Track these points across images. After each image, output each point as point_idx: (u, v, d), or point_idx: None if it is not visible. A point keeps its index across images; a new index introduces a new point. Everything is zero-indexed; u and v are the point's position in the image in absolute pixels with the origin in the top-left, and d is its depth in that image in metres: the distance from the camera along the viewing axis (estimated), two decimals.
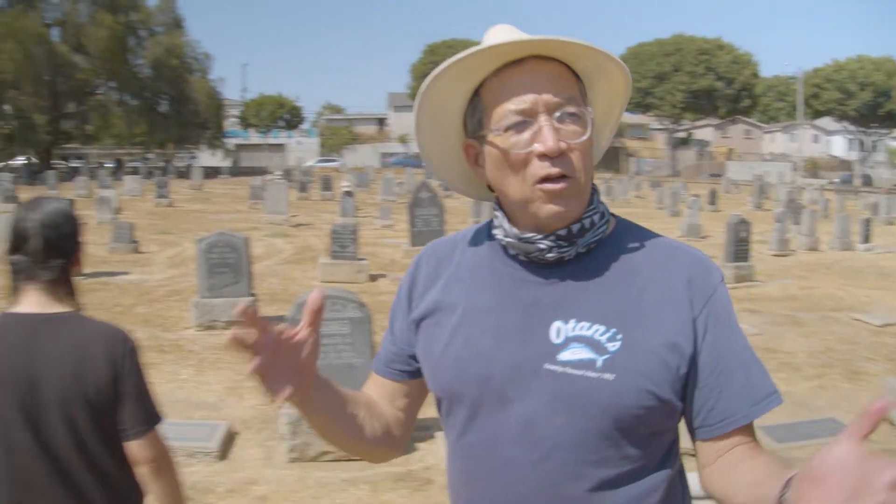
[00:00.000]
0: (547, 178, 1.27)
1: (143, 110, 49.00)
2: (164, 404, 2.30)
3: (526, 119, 1.27)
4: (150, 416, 2.16)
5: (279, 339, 1.23)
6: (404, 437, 1.59)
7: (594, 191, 1.38)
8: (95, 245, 16.92)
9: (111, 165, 49.20)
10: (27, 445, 2.01)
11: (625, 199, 34.15)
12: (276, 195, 22.03)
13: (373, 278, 12.81)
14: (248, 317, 1.19)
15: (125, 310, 10.19)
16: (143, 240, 17.22)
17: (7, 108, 43.33)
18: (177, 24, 51.15)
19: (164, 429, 2.21)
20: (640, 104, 65.78)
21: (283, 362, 1.23)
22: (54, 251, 2.10)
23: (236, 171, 49.96)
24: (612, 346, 1.28)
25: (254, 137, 73.51)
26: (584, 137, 1.29)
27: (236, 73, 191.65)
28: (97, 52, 44.15)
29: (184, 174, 43.13)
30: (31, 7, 43.80)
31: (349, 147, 74.27)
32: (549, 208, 1.29)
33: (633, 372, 1.27)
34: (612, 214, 1.44)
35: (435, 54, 63.38)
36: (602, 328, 1.30)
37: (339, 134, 78.79)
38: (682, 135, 73.42)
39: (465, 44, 61.43)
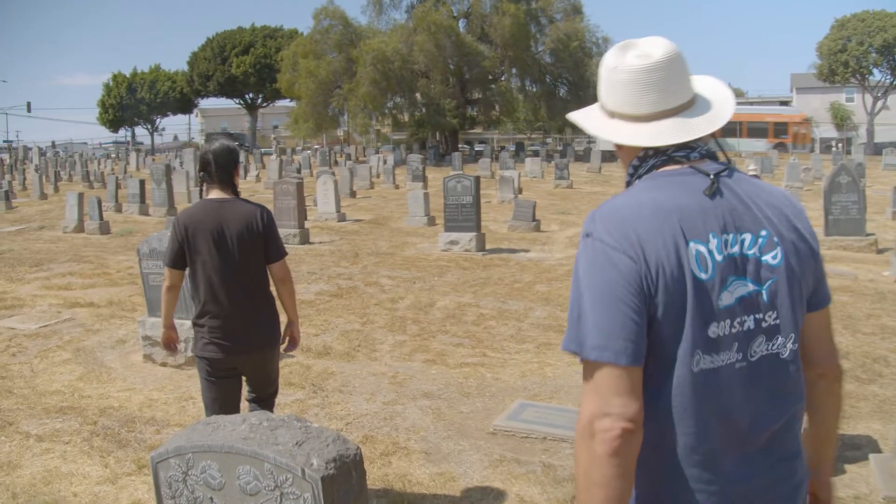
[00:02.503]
0: None
1: (544, 95, 50.26)
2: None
3: None
4: (280, 251, 4.10)
5: None
6: None
7: None
8: (496, 222, 17.51)
9: (512, 149, 51.47)
10: (215, 264, 3.93)
11: None
12: None
13: None
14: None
15: (524, 286, 10.15)
16: (544, 219, 17.43)
17: (418, 95, 47.22)
18: (576, 10, 51.68)
19: None
20: None
21: None
22: (222, 168, 4.03)
23: None
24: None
25: None
26: None
27: None
28: (501, 41, 46.10)
29: (582, 157, 43.76)
30: (441, 1, 47.16)
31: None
32: None
33: None
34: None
35: (845, 29, 56.56)
36: None
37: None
38: None
39: (879, 16, 53.78)
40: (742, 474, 1.57)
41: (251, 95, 70.50)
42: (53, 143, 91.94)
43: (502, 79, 50.77)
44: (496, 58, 47.56)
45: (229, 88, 68.72)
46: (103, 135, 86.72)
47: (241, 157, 4.37)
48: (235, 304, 3.94)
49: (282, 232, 14.60)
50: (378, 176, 32.60)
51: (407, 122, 50.24)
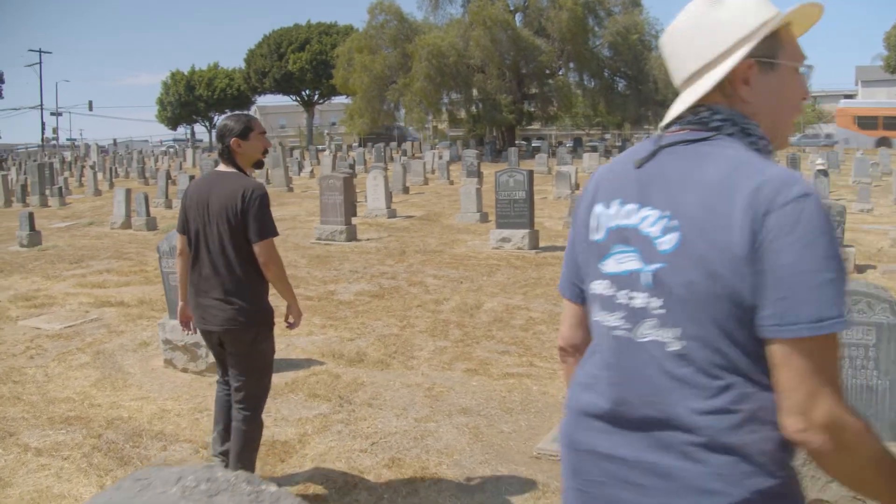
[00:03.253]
0: None
1: (602, 90, 49.17)
2: None
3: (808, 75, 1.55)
4: (261, 233, 3.83)
5: None
6: None
7: None
8: (551, 219, 16.77)
9: (570, 145, 50.47)
10: (199, 235, 3.95)
11: None
12: None
13: (859, 269, 10.54)
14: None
15: None
16: None
17: (474, 91, 46.52)
18: (634, 3, 50.41)
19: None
20: None
21: None
22: (220, 140, 4.01)
23: None
24: None
25: None
26: None
27: None
28: (558, 35, 45.11)
29: None
30: None
31: (812, 126, 67.92)
32: (784, 146, 1.59)
33: None
34: None
35: None
36: None
37: (802, 111, 72.53)
38: None
39: None
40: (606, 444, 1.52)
41: (307, 92, 70.56)
42: (115, 140, 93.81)
43: (560, 73, 49.86)
44: (553, 52, 46.65)
45: (286, 85, 68.85)
46: (164, 133, 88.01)
47: (240, 133, 3.98)
48: (207, 278, 3.92)
49: (327, 229, 14.12)
50: (433, 172, 32.02)
51: (463, 119, 49.68)
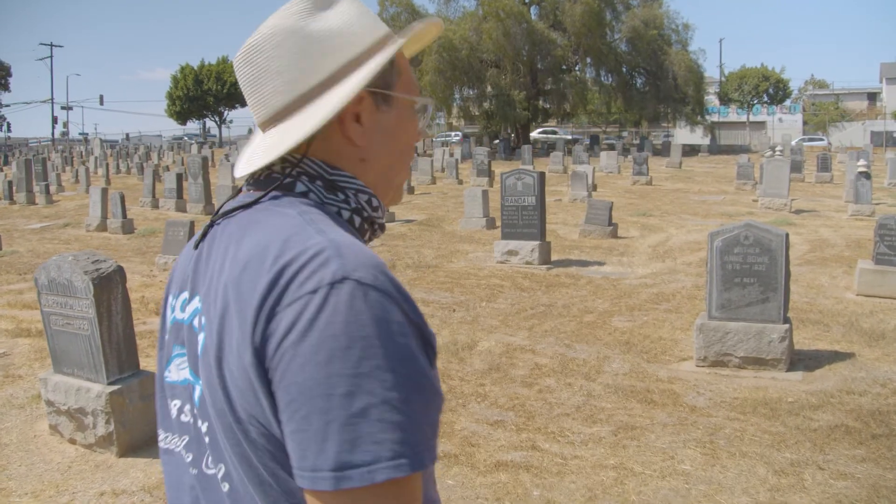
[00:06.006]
0: None
1: (619, 86, 47.61)
2: None
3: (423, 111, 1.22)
4: None
5: None
6: None
7: None
8: (566, 226, 15.07)
9: (586, 143, 48.82)
10: None
11: None
12: (775, 175, 18.26)
13: None
14: None
15: (597, 319, 7.73)
16: (621, 222, 14.89)
17: (488, 86, 44.98)
18: None
19: None
20: None
21: None
22: None
23: (715, 149, 46.36)
24: None
25: (731, 115, 68.75)
26: None
27: (713, 48, 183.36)
28: (574, 28, 43.52)
29: (659, 151, 40.96)
30: None
31: (835, 125, 66.02)
32: (399, 199, 1.25)
33: None
34: None
35: None
36: None
37: (824, 110, 70.64)
38: None
39: None
40: None
41: None
42: (127, 135, 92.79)
43: (576, 69, 48.25)
44: (569, 46, 45.15)
45: None
46: (176, 128, 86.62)
47: None
48: None
49: None
50: (442, 170, 30.34)
51: (477, 115, 48.26)
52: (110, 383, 4.69)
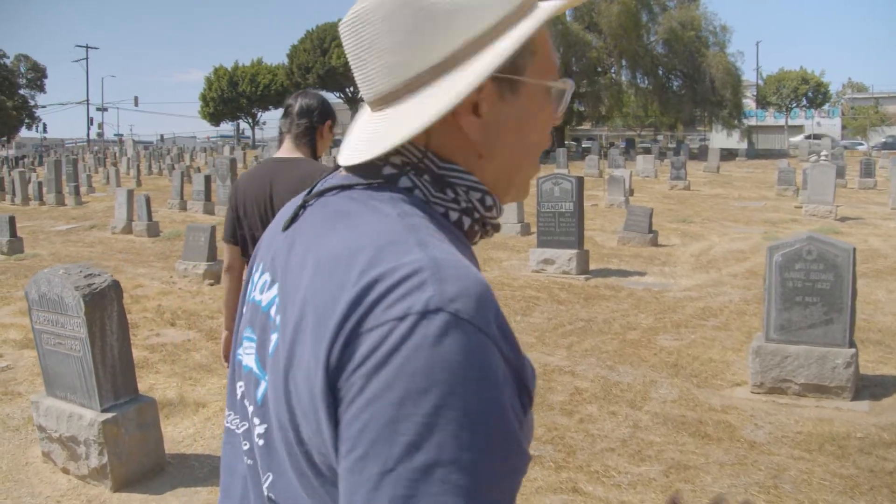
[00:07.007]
0: None
1: (656, 89, 46.88)
2: None
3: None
4: None
5: None
6: None
7: None
8: (603, 233, 14.50)
9: (622, 146, 48.09)
10: (257, 224, 3.12)
11: None
12: (820, 181, 17.53)
13: None
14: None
15: (642, 337, 7.17)
16: (661, 229, 14.26)
17: None
18: None
19: None
20: None
21: None
22: (303, 115, 3.24)
23: (752, 154, 45.40)
24: None
25: (768, 118, 67.54)
26: None
27: (749, 50, 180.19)
28: (609, 30, 42.92)
29: (696, 156, 40.14)
30: None
31: (876, 129, 64.66)
32: (525, 195, 1.06)
33: None
34: None
35: None
36: None
37: (864, 114, 69.27)
38: None
39: None
40: None
41: (351, 89, 69.05)
42: (162, 136, 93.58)
43: (611, 71, 47.56)
44: (604, 48, 44.52)
45: (329, 81, 67.31)
46: (211, 130, 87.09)
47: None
48: None
49: None
50: None
51: None
52: (104, 410, 4.23)
